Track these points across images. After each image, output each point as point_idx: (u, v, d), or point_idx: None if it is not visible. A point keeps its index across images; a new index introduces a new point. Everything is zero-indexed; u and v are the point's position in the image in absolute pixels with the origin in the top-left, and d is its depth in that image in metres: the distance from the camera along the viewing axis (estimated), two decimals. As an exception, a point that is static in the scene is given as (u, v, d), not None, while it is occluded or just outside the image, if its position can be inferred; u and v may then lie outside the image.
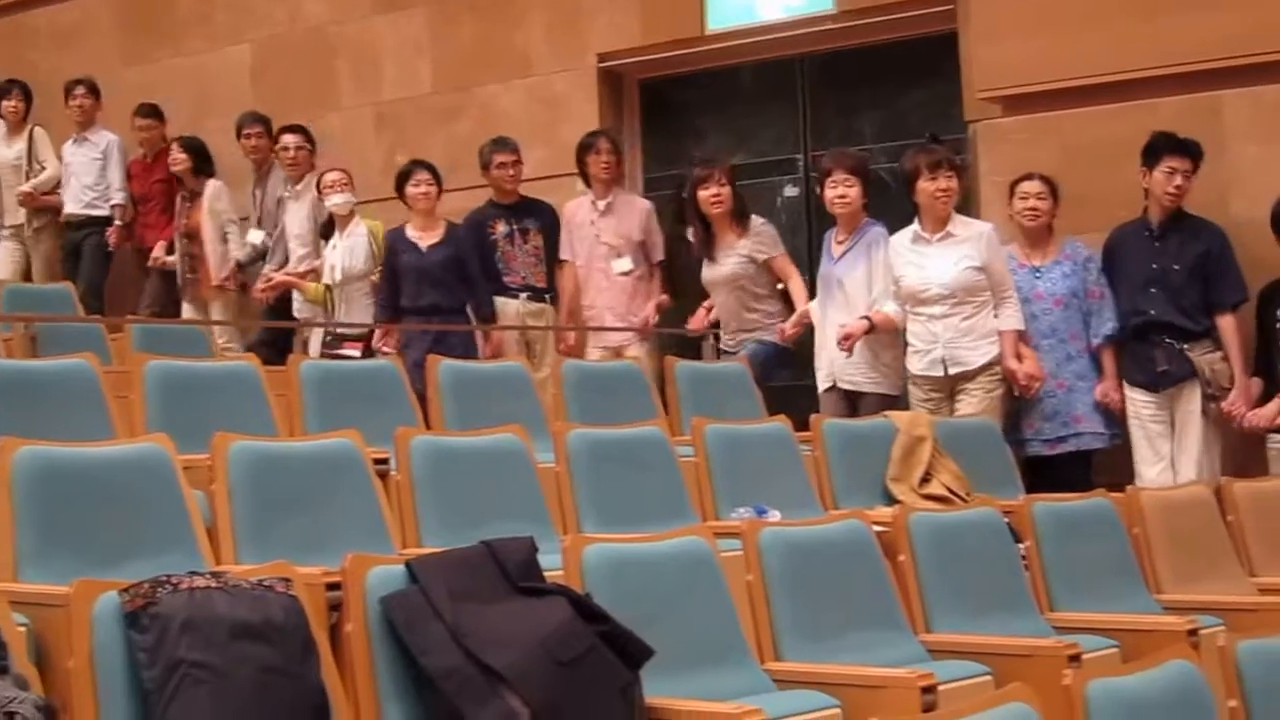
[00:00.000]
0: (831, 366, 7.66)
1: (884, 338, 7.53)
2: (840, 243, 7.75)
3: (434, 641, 3.96)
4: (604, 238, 8.76)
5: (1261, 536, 6.26)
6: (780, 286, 8.24)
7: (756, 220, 8.30)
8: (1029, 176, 7.67)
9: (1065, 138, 8.07)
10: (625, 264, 8.70)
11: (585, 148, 8.87)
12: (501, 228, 8.94)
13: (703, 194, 8.19)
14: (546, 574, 4.31)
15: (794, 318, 8.05)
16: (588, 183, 8.94)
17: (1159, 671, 3.76)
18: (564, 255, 8.91)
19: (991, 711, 3.37)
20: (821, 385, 7.73)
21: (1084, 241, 7.71)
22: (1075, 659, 4.60)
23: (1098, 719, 3.52)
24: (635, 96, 10.24)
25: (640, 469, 5.88)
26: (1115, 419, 7.51)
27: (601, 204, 8.81)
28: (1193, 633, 4.92)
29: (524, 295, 8.88)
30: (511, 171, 9.00)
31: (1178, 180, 7.40)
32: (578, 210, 8.91)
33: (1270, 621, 4.58)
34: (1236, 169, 7.70)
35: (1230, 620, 5.23)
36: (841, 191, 7.65)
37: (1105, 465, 7.54)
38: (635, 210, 8.88)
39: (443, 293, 8.54)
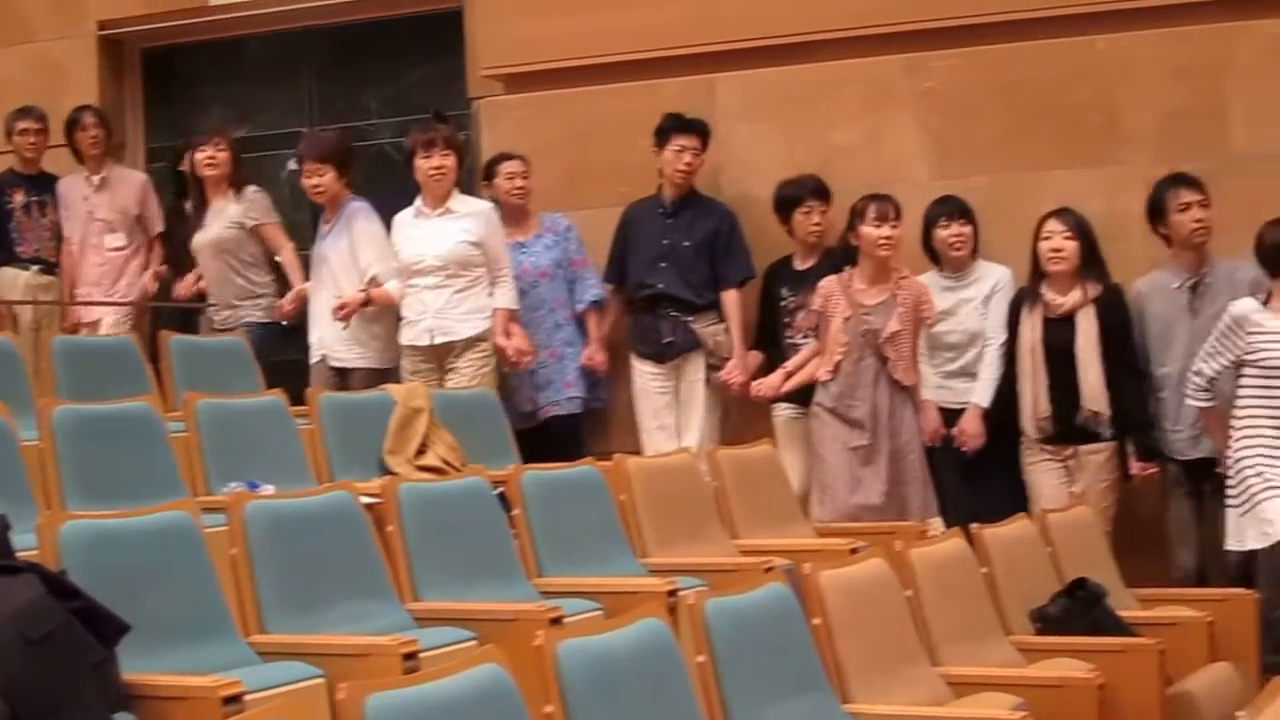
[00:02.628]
0: (321, 341, 7.64)
1: (373, 312, 7.55)
2: (327, 222, 7.75)
3: (-104, 621, 3.81)
4: (99, 214, 8.55)
5: (744, 500, 6.49)
6: (278, 259, 8.15)
7: (251, 188, 8.19)
8: (509, 156, 7.83)
9: (568, 116, 8.24)
10: (119, 239, 8.49)
11: (72, 124, 8.68)
12: (19, 197, 8.66)
13: (199, 156, 8.08)
14: (22, 552, 4.18)
15: (291, 295, 7.98)
16: (80, 159, 8.69)
17: (629, 630, 3.89)
18: (66, 233, 8.69)
19: (465, 673, 3.44)
20: (312, 358, 7.69)
21: (584, 217, 7.88)
22: (557, 621, 4.71)
23: (569, 677, 3.62)
24: (137, 66, 9.97)
25: (129, 445, 5.74)
26: (601, 383, 7.72)
27: (95, 179, 8.60)
28: (672, 593, 5.07)
29: (35, 268, 8.62)
30: (33, 140, 8.71)
31: (686, 158, 7.67)
32: (70, 187, 8.67)
33: (748, 581, 4.75)
34: (729, 148, 7.99)
35: (712, 580, 5.43)
36: (315, 181, 7.65)
37: (606, 432, 7.74)
38: (131, 184, 8.68)
39: None
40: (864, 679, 4.56)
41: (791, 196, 7.58)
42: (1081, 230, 6.88)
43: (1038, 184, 7.30)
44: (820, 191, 7.53)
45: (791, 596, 4.48)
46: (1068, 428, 6.83)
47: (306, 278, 7.90)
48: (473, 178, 8.25)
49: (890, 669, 4.68)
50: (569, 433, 7.66)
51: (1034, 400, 6.86)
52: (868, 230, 6.87)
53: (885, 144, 7.82)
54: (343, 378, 7.53)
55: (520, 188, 7.78)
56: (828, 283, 7.01)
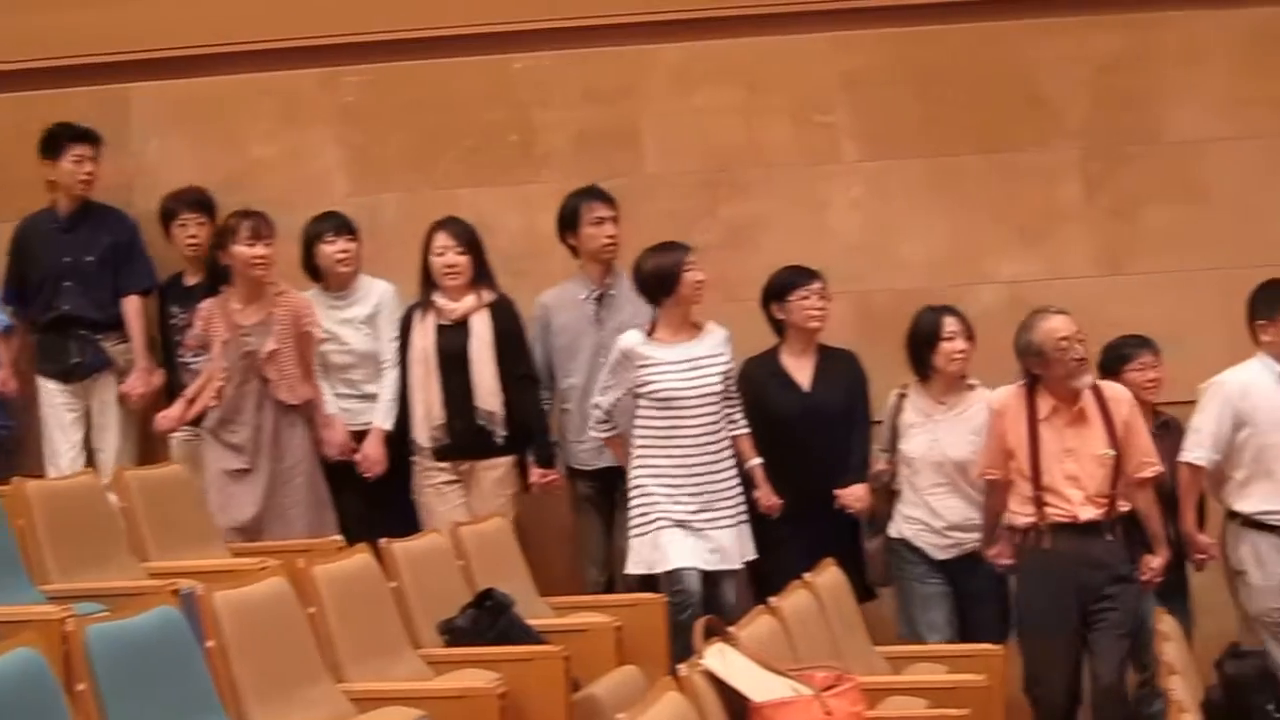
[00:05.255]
0: None
1: None
2: None
3: None
4: None
5: (154, 522, 6.31)
6: None
7: None
8: None
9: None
10: None
11: None
12: None
13: None
14: None
15: None
16: None
17: (3, 661, 3.72)
18: None
19: None
20: None
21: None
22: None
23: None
24: None
25: None
26: (9, 410, 7.41)
27: None
28: (67, 620, 4.88)
29: None
30: None
31: (87, 167, 7.42)
32: None
33: (155, 602, 4.61)
34: (143, 161, 7.81)
35: (115, 605, 5.24)
36: None
37: (18, 458, 7.42)
38: None
39: None
40: (261, 699, 4.51)
41: (168, 209, 7.45)
42: (471, 242, 6.95)
43: (455, 201, 7.35)
44: (199, 204, 7.38)
45: (181, 619, 4.39)
46: (464, 439, 6.87)
47: None
48: None
49: (289, 689, 4.65)
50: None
51: (427, 408, 6.88)
52: (241, 250, 6.76)
53: (303, 158, 7.78)
54: None
55: None
56: (206, 305, 6.88)
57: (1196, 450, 6.53)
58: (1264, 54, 7.49)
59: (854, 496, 6.83)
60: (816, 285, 6.89)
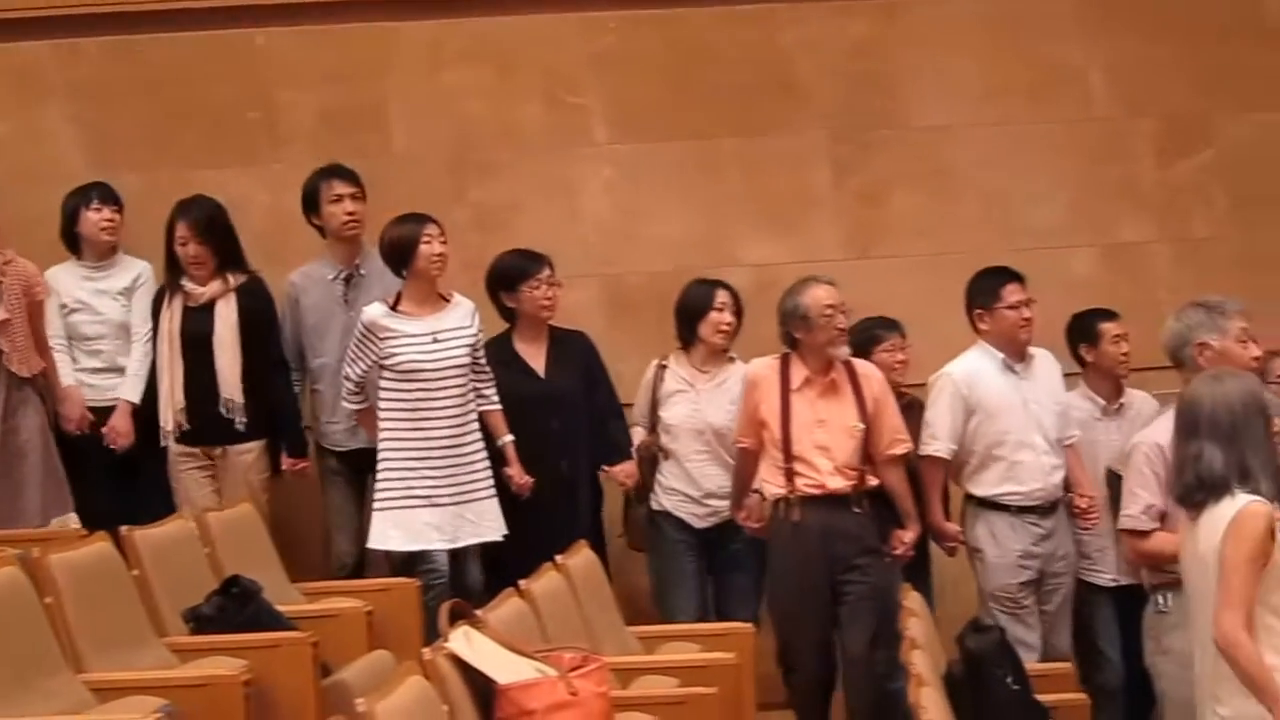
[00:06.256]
0: None
1: None
2: None
3: None
4: None
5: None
6: None
7: None
8: None
9: None
10: None
11: None
12: None
13: None
14: None
15: None
16: None
17: None
18: None
19: None
20: None
21: None
22: None
23: None
24: None
25: None
26: None
27: None
28: None
29: None
30: None
31: None
32: None
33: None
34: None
35: None
36: None
37: None
38: None
39: None
40: (-3, 693, 4.35)
41: None
42: (212, 228, 6.82)
43: (197, 181, 7.13)
44: None
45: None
46: (208, 424, 6.78)
47: None
48: None
49: (26, 680, 4.52)
50: None
51: (170, 392, 6.78)
52: None
53: (39, 136, 7.53)
54: None
55: None
56: None
57: (934, 444, 6.71)
58: (1009, 41, 7.74)
59: (625, 473, 6.95)
60: (546, 273, 6.89)
